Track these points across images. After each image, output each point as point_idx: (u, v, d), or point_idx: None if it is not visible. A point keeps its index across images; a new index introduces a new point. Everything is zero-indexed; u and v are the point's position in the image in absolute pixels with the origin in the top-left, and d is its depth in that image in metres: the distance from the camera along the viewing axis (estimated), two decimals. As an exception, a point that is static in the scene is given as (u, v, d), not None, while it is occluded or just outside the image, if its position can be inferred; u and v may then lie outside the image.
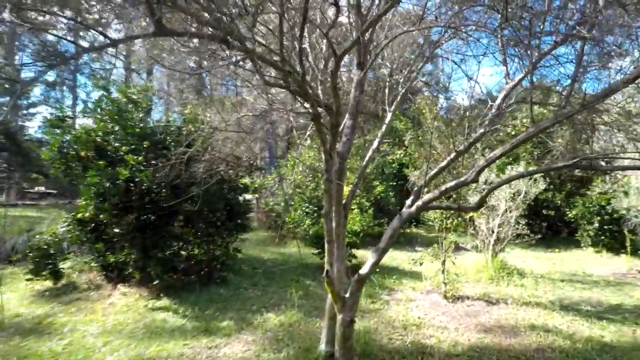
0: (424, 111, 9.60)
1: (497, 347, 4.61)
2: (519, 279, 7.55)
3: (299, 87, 2.71)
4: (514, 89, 3.50)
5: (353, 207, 9.45)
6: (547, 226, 12.50)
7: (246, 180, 8.53)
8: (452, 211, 6.91)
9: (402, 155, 13.27)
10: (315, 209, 9.29)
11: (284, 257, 9.70)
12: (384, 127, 4.11)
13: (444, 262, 6.59)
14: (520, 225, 8.52)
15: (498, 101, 3.54)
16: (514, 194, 8.34)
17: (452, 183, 2.93)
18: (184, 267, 7.10)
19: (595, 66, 3.11)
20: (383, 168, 12.83)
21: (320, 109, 2.99)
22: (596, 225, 10.41)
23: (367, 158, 4.08)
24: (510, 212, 8.28)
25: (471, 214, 8.16)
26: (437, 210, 6.88)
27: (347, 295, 3.38)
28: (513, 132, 9.50)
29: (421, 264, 6.96)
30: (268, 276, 7.79)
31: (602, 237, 10.41)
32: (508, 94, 3.50)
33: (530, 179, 8.61)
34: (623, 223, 9.64)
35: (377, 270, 7.88)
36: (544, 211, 11.74)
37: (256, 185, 10.76)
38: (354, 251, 8.32)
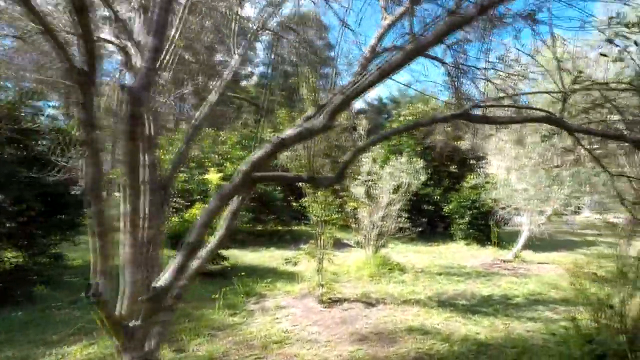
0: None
1: (372, 360, 3.81)
2: (399, 275, 7.17)
3: None
4: (392, 27, 2.64)
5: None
6: (427, 221, 12.98)
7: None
8: (332, 201, 6.10)
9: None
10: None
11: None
12: (228, 72, 2.88)
13: (321, 261, 5.69)
14: (403, 218, 8.26)
15: (372, 42, 2.63)
16: (397, 186, 8.04)
17: (293, 130, 1.87)
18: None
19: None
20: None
21: None
22: (467, 219, 10.98)
23: (200, 114, 2.78)
24: (393, 205, 7.95)
25: (354, 205, 7.56)
26: (316, 202, 5.97)
27: (138, 322, 2.05)
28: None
29: (295, 264, 5.95)
30: (101, 289, 5.89)
31: (471, 231, 11.03)
32: (385, 32, 2.63)
33: (413, 171, 8.43)
34: (490, 216, 10.27)
35: (243, 273, 6.68)
36: (424, 206, 12.07)
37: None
38: (224, 251, 6.92)
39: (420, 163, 7.79)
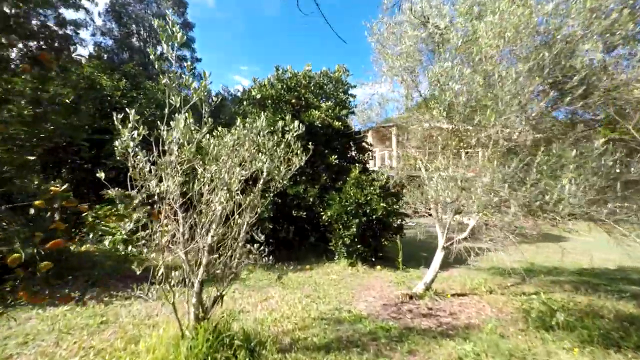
0: None
1: None
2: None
3: None
4: None
5: None
6: (296, 231, 9.36)
7: None
8: None
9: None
10: None
11: None
12: None
13: None
14: (256, 240, 4.21)
15: None
16: (248, 178, 3.92)
17: None
18: None
19: None
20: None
21: None
22: (353, 230, 7.72)
23: None
24: (242, 215, 3.82)
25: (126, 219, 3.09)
26: None
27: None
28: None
29: None
30: None
31: (359, 246, 7.83)
32: None
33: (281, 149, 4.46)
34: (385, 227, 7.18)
35: None
36: (294, 212, 8.36)
37: None
38: None
39: (296, 126, 3.83)
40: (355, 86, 9.90)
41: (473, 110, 3.50)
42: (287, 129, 3.71)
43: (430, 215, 6.33)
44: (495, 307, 5.49)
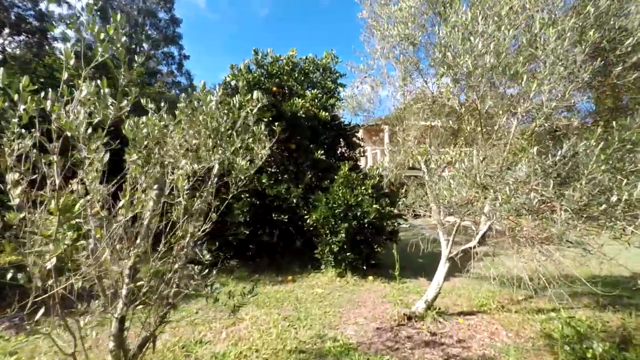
0: None
1: None
2: None
3: None
4: None
5: None
6: (280, 234, 8.36)
7: None
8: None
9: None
10: None
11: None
12: None
13: None
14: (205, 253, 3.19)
15: None
16: (191, 175, 2.88)
17: None
18: None
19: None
20: None
21: None
22: (341, 235, 6.74)
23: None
24: (190, 223, 2.79)
25: None
26: None
27: None
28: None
29: None
30: None
31: (348, 254, 6.85)
32: None
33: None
34: (389, 232, 6.24)
35: None
36: (274, 215, 7.34)
37: None
38: None
39: (256, 98, 2.83)
40: (345, 75, 8.97)
41: (500, 79, 2.56)
42: (244, 103, 2.72)
43: (430, 216, 5.41)
44: (510, 329, 4.57)
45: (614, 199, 2.08)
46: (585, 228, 2.33)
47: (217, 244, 7.19)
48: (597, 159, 2.18)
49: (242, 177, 3.00)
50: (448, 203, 2.87)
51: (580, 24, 2.88)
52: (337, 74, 9.00)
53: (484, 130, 3.03)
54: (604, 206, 2.12)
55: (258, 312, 5.16)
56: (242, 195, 6.97)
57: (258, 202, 7.12)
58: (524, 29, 2.56)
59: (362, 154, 9.17)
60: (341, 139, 8.57)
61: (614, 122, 2.48)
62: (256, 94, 2.67)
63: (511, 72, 2.65)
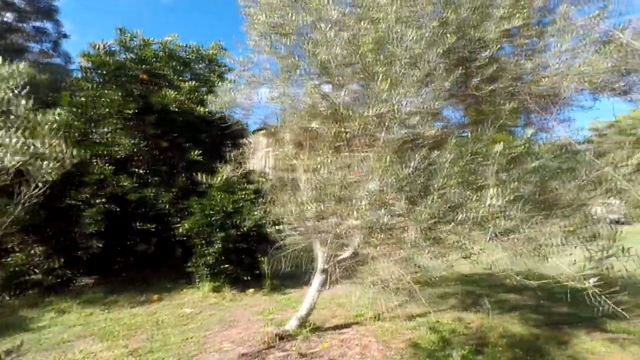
0: None
1: None
2: None
3: None
4: None
5: None
6: (157, 243, 7.24)
7: None
8: None
9: None
10: None
11: None
12: None
13: None
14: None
15: None
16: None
17: None
18: None
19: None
20: None
21: None
22: (218, 245, 6.02)
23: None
24: None
25: None
26: None
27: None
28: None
29: None
30: None
31: (225, 266, 6.16)
32: None
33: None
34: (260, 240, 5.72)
35: None
36: (138, 224, 6.25)
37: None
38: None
39: (15, 71, 2.06)
40: (234, 69, 8.23)
41: (359, 77, 2.25)
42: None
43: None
44: (382, 341, 4.46)
45: (459, 217, 1.87)
46: (432, 251, 2.12)
47: (62, 260, 5.84)
48: (449, 172, 1.95)
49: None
50: (299, 218, 2.47)
51: (442, 30, 2.76)
52: (225, 68, 8.24)
53: (346, 135, 2.73)
54: (452, 224, 1.89)
55: (99, 346, 4.17)
56: (96, 201, 5.75)
57: (118, 209, 5.96)
58: (383, 21, 2.29)
59: (251, 156, 8.56)
60: (227, 139, 7.83)
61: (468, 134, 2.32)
62: (21, 65, 1.87)
63: (373, 71, 2.35)
